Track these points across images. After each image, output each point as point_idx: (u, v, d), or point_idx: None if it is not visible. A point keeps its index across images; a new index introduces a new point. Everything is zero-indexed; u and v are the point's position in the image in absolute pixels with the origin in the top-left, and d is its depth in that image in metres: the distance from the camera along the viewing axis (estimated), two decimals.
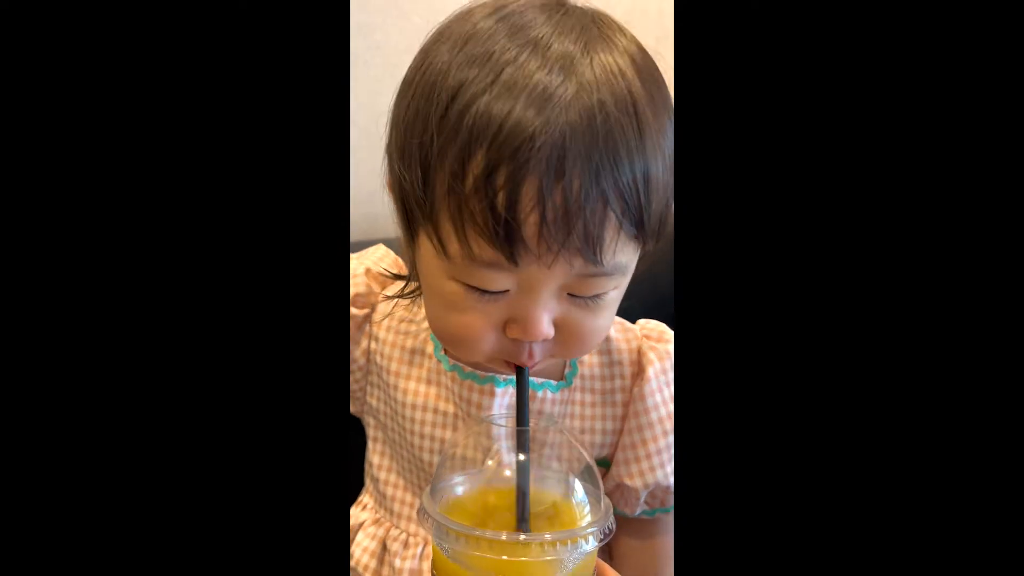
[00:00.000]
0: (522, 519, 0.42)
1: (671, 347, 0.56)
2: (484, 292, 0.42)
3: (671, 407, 0.55)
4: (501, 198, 0.38)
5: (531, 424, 0.45)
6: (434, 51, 0.42)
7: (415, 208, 0.43)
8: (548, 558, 0.39)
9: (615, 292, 0.45)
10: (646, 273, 0.48)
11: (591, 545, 0.41)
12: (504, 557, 0.39)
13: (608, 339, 0.57)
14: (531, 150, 0.37)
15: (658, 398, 0.55)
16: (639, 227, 0.41)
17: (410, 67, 0.44)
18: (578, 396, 0.56)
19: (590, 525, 0.42)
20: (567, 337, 0.45)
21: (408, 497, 0.59)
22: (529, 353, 0.45)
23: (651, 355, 0.56)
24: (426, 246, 0.43)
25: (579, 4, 0.45)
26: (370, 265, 0.59)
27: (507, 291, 0.42)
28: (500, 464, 0.44)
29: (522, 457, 0.43)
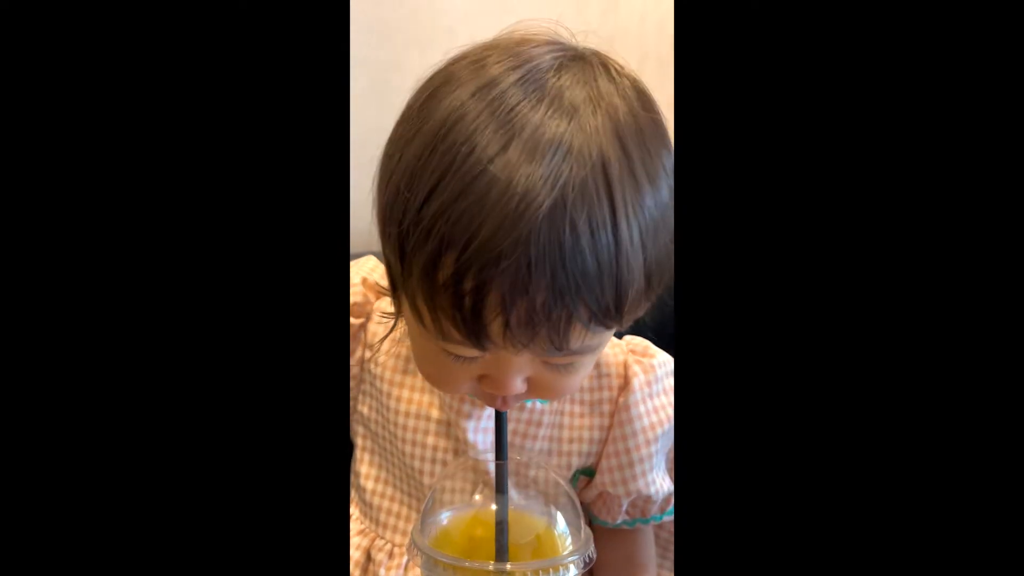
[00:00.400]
0: (502, 550, 0.45)
1: (655, 361, 0.58)
2: (458, 357, 0.44)
3: (654, 418, 0.57)
4: (467, 302, 0.38)
5: (515, 458, 0.47)
6: (422, 122, 0.41)
7: (395, 278, 0.44)
8: None
9: (589, 357, 0.46)
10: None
11: (572, 573, 0.43)
12: None
13: None
14: (496, 268, 0.37)
15: (642, 408, 0.57)
16: (608, 323, 0.41)
17: (399, 124, 0.44)
18: (567, 407, 0.58)
19: (571, 553, 0.45)
20: (540, 391, 0.47)
21: (395, 507, 0.61)
22: (503, 401, 0.47)
23: (636, 368, 0.58)
24: (407, 309, 0.44)
25: (580, 49, 0.44)
26: (365, 275, 0.60)
27: (481, 356, 0.44)
28: (486, 498, 0.47)
29: (500, 492, 0.46)
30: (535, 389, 0.47)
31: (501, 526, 0.45)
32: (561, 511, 0.47)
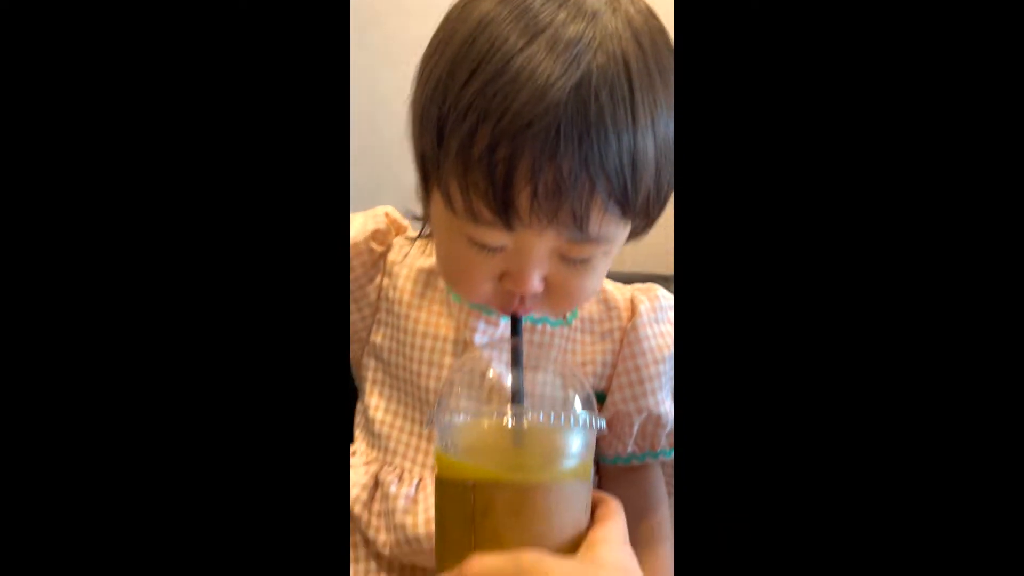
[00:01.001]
0: (518, 397, 0.45)
1: (659, 293, 0.62)
2: (484, 247, 0.46)
3: (660, 341, 0.59)
4: (500, 171, 0.42)
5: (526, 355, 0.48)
6: (456, 28, 0.45)
7: (429, 167, 0.47)
8: (546, 442, 0.42)
9: (603, 257, 0.49)
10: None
11: (582, 422, 0.43)
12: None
13: (605, 291, 0.62)
14: (527, 134, 0.41)
15: (649, 331, 0.59)
16: (624, 206, 0.45)
17: (436, 34, 0.48)
18: (578, 335, 0.60)
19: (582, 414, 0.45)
20: (555, 293, 0.49)
21: (404, 436, 0.61)
22: (520, 301, 0.49)
23: (642, 298, 0.62)
24: (436, 198, 0.48)
25: None
26: (388, 210, 0.63)
27: (504, 247, 0.46)
28: (498, 395, 0.47)
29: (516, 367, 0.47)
30: (551, 292, 0.49)
31: (517, 374, 0.45)
32: (578, 393, 0.48)
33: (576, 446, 0.44)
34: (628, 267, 0.72)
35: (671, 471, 0.64)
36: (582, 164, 0.41)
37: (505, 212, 0.43)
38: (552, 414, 0.43)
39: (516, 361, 0.47)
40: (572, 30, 0.42)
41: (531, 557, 0.38)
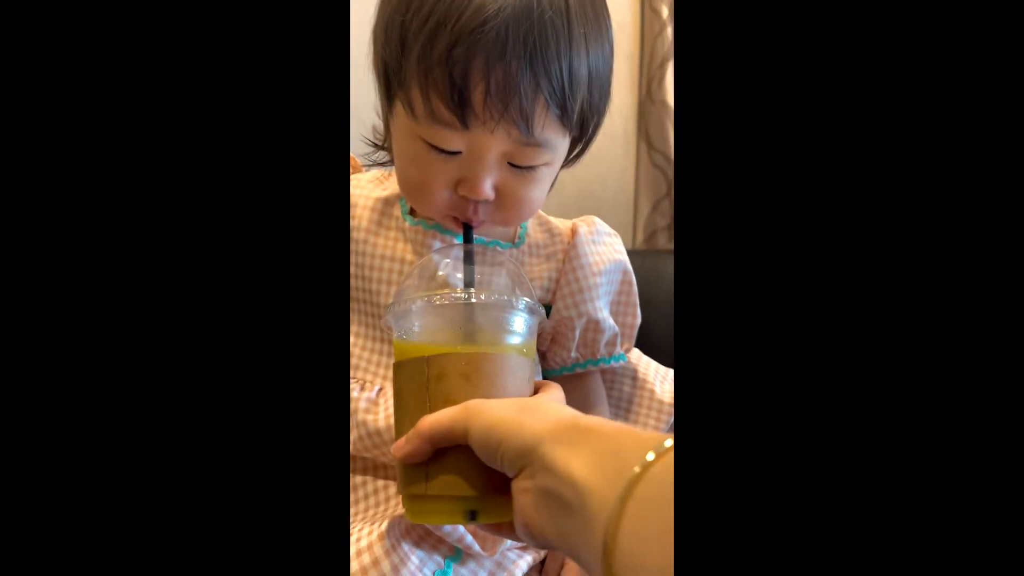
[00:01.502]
0: (469, 284, 0.51)
1: (595, 219, 0.70)
2: (441, 151, 0.52)
3: (597, 257, 0.67)
4: (457, 69, 0.49)
5: (477, 257, 0.54)
6: None
7: (392, 77, 0.53)
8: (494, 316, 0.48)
9: (546, 169, 0.56)
10: None
11: (526, 305, 0.49)
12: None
13: (549, 221, 0.69)
14: (482, 33, 0.48)
15: (587, 249, 0.67)
16: (563, 110, 0.52)
17: None
18: (526, 258, 0.67)
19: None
20: (505, 202, 0.56)
21: (365, 353, 0.65)
22: (474, 209, 0.55)
23: (581, 224, 0.70)
24: (399, 110, 0.54)
25: None
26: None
27: (459, 153, 0.52)
28: (449, 285, 0.53)
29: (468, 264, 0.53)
30: (501, 201, 0.55)
31: (468, 282, 0.51)
32: (523, 290, 0.54)
33: (519, 325, 0.50)
34: None
35: (609, 377, 0.70)
36: (527, 64, 0.49)
37: (461, 109, 0.49)
38: (498, 295, 0.49)
39: (468, 259, 0.53)
40: None
41: (476, 401, 0.43)
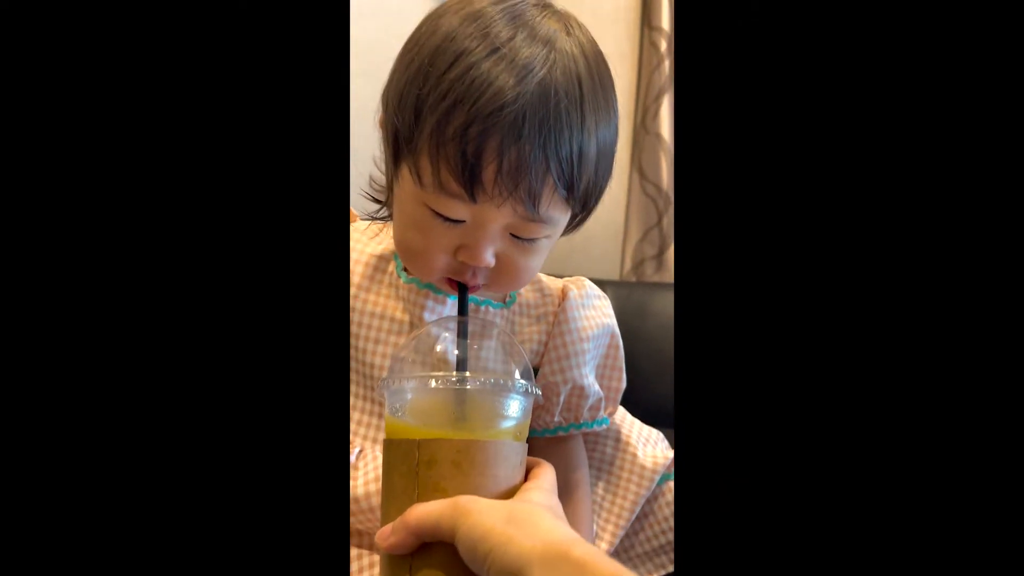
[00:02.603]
0: (463, 365, 0.51)
1: (586, 282, 0.71)
2: (445, 219, 0.53)
3: (586, 322, 0.68)
4: (471, 147, 0.49)
5: (471, 327, 0.54)
6: (444, 21, 0.53)
7: (402, 144, 0.53)
8: (488, 402, 0.49)
9: (546, 240, 0.57)
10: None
11: (520, 387, 0.50)
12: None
13: (541, 280, 0.70)
14: (499, 116, 0.49)
15: (577, 314, 0.68)
16: (569, 191, 0.53)
17: (418, 29, 0.55)
18: (517, 317, 0.68)
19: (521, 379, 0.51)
20: (503, 270, 0.56)
21: (355, 414, 0.66)
22: (472, 274, 0.56)
23: (572, 286, 0.70)
24: (405, 175, 0.54)
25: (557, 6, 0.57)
26: None
27: (463, 222, 0.53)
28: (444, 364, 0.53)
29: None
30: (500, 268, 0.56)
31: (462, 361, 0.51)
32: (517, 364, 0.54)
33: (514, 410, 0.50)
34: (588, 273, 0.80)
35: (592, 439, 0.71)
36: (541, 148, 0.50)
37: (471, 184, 0.50)
38: (493, 379, 0.49)
39: (462, 333, 0.53)
40: (545, 29, 0.52)
41: (465, 499, 0.43)
